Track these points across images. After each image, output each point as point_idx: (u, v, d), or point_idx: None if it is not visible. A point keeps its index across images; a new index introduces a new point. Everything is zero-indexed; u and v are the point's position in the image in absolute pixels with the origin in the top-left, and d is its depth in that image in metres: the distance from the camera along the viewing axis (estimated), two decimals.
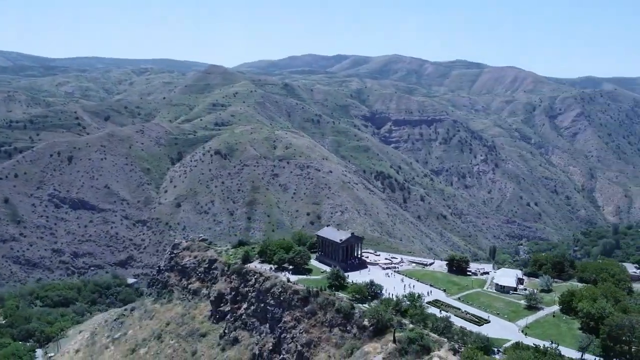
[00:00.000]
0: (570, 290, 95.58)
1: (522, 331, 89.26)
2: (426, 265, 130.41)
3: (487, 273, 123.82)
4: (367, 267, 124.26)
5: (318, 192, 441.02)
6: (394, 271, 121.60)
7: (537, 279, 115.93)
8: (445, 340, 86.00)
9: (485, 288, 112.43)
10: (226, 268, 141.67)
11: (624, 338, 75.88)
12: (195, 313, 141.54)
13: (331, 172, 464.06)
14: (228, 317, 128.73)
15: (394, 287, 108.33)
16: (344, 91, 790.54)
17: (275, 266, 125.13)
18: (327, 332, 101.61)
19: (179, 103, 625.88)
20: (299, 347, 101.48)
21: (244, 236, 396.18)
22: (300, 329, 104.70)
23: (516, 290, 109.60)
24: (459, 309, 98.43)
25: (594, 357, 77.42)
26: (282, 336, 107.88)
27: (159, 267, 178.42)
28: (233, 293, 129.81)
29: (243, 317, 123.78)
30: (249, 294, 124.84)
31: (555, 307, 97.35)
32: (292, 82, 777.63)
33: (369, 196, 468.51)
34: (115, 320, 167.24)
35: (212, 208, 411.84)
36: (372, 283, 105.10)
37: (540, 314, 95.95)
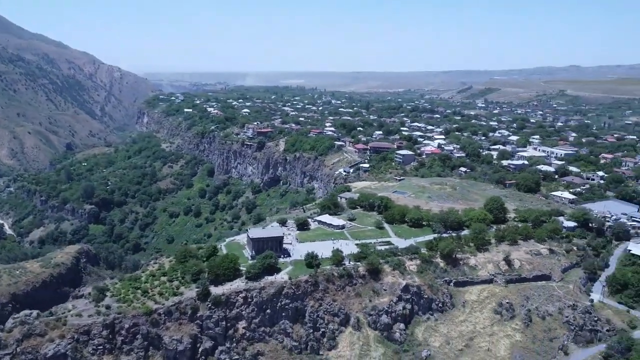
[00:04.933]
0: (384, 214, 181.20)
1: (403, 238, 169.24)
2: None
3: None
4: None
5: None
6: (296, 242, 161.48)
7: (338, 214, 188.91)
8: (402, 256, 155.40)
9: (335, 230, 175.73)
10: (164, 316, 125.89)
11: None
12: None
13: None
14: (222, 348, 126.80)
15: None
16: None
17: (247, 278, 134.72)
18: (343, 292, 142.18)
19: None
20: (338, 312, 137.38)
21: None
22: (328, 302, 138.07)
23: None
24: (371, 242, 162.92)
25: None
26: (317, 315, 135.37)
27: None
28: (222, 324, 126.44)
29: (247, 335, 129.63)
30: (242, 312, 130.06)
31: (387, 224, 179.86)
32: None
33: None
34: None
35: None
36: (338, 250, 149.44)
37: (387, 228, 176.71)
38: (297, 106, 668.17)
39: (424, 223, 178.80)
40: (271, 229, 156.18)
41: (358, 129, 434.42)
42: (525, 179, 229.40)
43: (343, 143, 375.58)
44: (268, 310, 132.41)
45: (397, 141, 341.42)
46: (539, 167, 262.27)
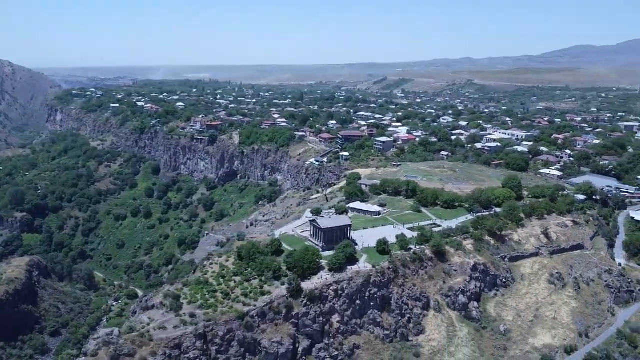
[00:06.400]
0: (415, 199, 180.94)
1: (444, 220, 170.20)
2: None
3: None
4: None
5: None
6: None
7: (365, 201, 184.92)
8: (456, 236, 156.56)
9: (373, 217, 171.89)
10: (258, 318, 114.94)
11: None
12: None
13: None
14: (320, 345, 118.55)
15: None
16: None
17: (331, 270, 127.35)
18: (418, 276, 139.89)
19: None
20: (420, 297, 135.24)
21: None
22: (410, 287, 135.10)
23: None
24: (418, 224, 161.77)
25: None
26: (402, 301, 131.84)
27: None
28: (319, 320, 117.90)
29: (341, 329, 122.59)
30: (335, 306, 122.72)
31: (421, 207, 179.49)
32: None
33: None
34: None
35: None
36: (404, 234, 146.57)
37: (424, 211, 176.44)
38: (230, 99, 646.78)
39: (456, 204, 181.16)
40: (338, 218, 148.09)
41: (311, 119, 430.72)
42: (515, 159, 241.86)
43: (304, 133, 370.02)
44: (358, 301, 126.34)
45: (367, 129, 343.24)
46: (514, 147, 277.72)
